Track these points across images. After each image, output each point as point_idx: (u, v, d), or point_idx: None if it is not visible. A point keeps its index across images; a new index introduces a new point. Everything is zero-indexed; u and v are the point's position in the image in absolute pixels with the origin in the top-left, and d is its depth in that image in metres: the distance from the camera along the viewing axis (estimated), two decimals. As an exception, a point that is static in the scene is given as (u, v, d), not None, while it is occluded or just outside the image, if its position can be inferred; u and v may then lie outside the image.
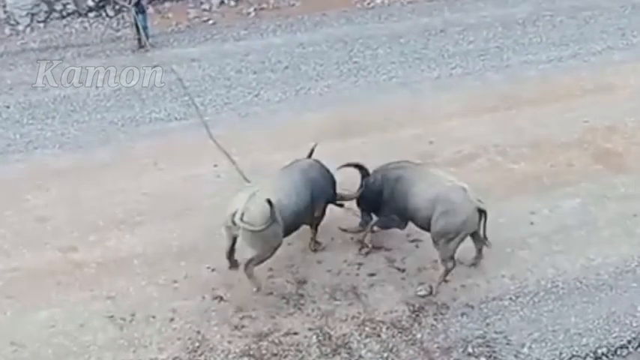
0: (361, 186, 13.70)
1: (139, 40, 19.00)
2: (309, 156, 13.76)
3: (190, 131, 16.59)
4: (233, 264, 13.53)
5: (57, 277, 13.43)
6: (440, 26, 20.12)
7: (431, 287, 13.31)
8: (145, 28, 19.00)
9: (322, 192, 13.49)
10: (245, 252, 13.13)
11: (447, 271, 13.25)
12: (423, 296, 13.29)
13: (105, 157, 15.92)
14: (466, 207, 13.01)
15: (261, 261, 13.07)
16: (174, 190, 15.11)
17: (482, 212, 13.09)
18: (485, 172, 15.67)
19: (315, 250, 13.92)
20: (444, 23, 20.25)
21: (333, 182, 13.70)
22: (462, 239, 13.19)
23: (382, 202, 13.61)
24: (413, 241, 14.00)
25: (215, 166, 15.65)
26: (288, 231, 13.11)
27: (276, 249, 13.01)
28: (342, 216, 14.25)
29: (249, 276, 13.15)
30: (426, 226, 13.27)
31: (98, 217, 14.47)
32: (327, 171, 13.64)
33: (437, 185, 13.18)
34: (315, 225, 13.83)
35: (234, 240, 13.20)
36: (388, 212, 13.63)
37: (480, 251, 13.65)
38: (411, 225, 13.67)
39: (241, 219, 12.61)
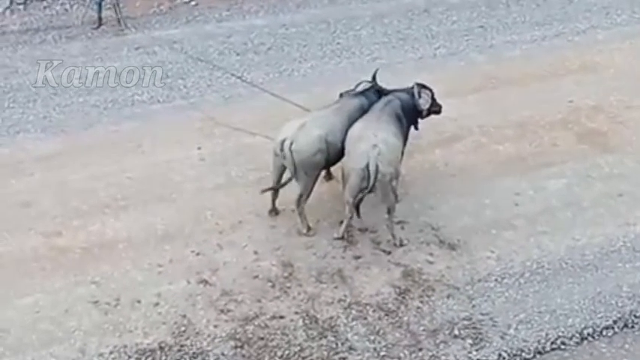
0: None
1: (119, 20, 18.95)
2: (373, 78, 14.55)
3: (174, 114, 16.49)
4: (274, 208, 14.15)
5: (41, 262, 13.33)
6: (423, 6, 20.03)
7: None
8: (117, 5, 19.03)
9: None
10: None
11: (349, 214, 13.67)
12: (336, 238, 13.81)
13: (88, 140, 15.80)
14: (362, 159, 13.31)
15: (308, 195, 13.66)
16: (158, 173, 15.03)
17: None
18: (469, 154, 15.66)
19: None
20: (428, 3, 20.14)
21: None
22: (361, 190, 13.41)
23: None
24: (399, 222, 13.96)
25: (199, 148, 15.57)
26: (328, 165, 14.04)
27: (316, 180, 13.76)
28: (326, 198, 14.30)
29: (299, 214, 13.76)
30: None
31: (82, 202, 14.37)
32: None
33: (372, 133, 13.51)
34: None
35: (280, 173, 13.82)
36: None
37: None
38: (397, 207, 13.69)
39: (290, 146, 13.43)
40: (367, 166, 13.22)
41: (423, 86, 14.47)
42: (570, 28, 19.41)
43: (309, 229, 13.88)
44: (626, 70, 17.93)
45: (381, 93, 14.42)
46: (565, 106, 16.82)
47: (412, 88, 14.41)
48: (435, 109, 14.59)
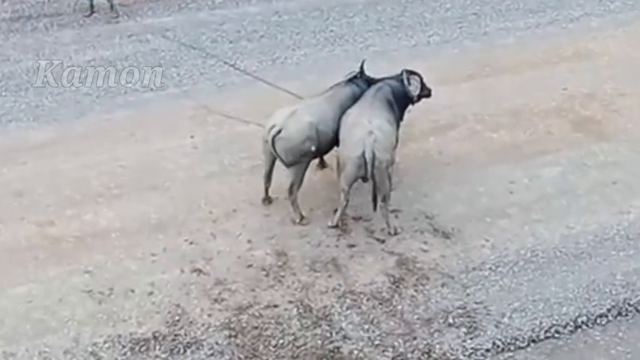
0: None
1: (111, 7, 18.87)
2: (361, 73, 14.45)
3: (166, 102, 16.44)
4: (267, 197, 14.08)
5: (34, 251, 13.28)
6: (417, -7, 20.01)
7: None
8: None
9: None
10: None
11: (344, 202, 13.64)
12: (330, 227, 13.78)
13: (81, 129, 15.74)
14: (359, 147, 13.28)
15: (300, 184, 13.61)
16: (151, 161, 14.98)
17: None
18: (464, 141, 15.61)
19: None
20: (421, -11, 20.13)
21: None
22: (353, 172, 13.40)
23: None
24: (393, 211, 13.92)
25: (192, 137, 15.52)
26: (320, 153, 13.99)
27: (306, 168, 13.67)
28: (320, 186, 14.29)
29: (292, 203, 13.70)
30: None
31: (75, 191, 14.32)
32: None
33: (366, 122, 13.45)
34: None
35: (272, 161, 13.71)
36: None
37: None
38: (391, 195, 13.67)
39: (277, 133, 13.36)
40: (363, 153, 13.18)
41: (412, 72, 14.44)
42: (564, 16, 19.35)
43: (302, 217, 13.84)
44: (620, 57, 17.88)
45: (370, 82, 14.38)
46: (559, 94, 16.78)
47: (400, 75, 14.38)
48: (424, 93, 14.58)
